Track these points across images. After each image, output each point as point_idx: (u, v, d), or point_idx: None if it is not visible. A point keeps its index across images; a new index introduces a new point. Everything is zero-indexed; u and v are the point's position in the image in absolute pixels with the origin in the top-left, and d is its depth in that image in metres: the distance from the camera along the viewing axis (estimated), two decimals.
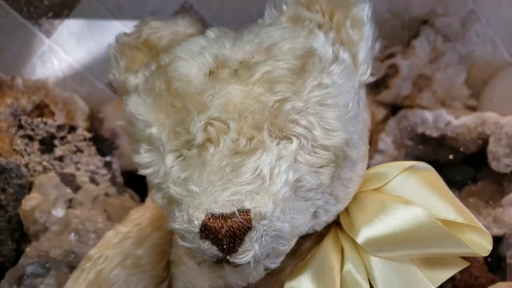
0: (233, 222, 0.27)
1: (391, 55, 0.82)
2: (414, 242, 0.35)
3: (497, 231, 0.66)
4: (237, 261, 0.28)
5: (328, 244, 0.37)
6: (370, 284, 0.36)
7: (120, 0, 0.84)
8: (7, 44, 0.86)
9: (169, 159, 0.31)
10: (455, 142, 0.74)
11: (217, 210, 0.27)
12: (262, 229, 0.27)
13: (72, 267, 0.56)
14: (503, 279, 0.60)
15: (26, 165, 0.73)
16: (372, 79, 0.36)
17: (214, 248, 0.27)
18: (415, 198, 0.36)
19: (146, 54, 0.38)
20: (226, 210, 0.27)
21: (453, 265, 0.38)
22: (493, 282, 0.57)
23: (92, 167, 0.76)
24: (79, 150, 0.77)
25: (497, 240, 0.66)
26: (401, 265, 0.36)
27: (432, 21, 0.83)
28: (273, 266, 0.31)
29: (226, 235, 0.27)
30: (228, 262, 0.28)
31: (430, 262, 0.38)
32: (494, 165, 0.70)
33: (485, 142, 0.72)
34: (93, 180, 0.68)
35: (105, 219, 0.60)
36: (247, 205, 0.27)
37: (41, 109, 0.85)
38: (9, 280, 0.54)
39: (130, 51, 0.38)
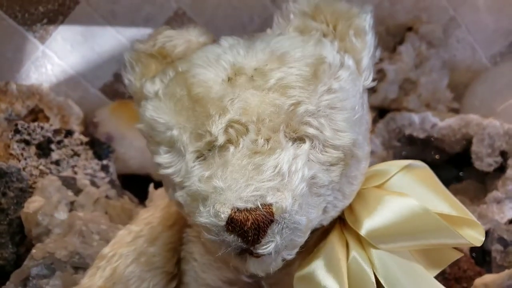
0: (258, 215, 0.29)
1: (378, 61, 0.85)
2: (412, 234, 0.38)
3: (482, 227, 0.69)
4: (260, 251, 0.30)
5: (334, 238, 0.39)
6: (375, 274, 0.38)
7: (114, 7, 0.86)
8: (1, 50, 0.86)
9: (191, 159, 0.34)
10: (441, 143, 0.78)
11: (242, 204, 0.29)
12: (283, 221, 0.30)
13: (76, 268, 0.57)
14: (489, 272, 0.63)
15: (23, 169, 0.74)
16: (374, 84, 0.39)
17: (239, 240, 0.30)
18: (413, 193, 0.39)
19: (160, 62, 0.40)
20: (251, 205, 0.29)
21: (447, 257, 0.41)
22: (480, 274, 0.60)
23: (89, 170, 0.77)
24: (76, 154, 0.78)
25: None
26: (402, 256, 0.38)
27: (417, 28, 0.86)
28: (289, 257, 0.34)
29: (251, 227, 0.29)
30: (251, 253, 0.31)
31: (427, 255, 0.41)
32: (477, 164, 0.74)
33: (469, 142, 0.75)
34: (93, 183, 0.69)
35: (107, 220, 0.61)
36: (269, 200, 0.30)
37: (35, 114, 0.86)
38: (15, 281, 0.55)
39: (146, 58, 0.40)
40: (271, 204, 0.30)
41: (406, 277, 0.38)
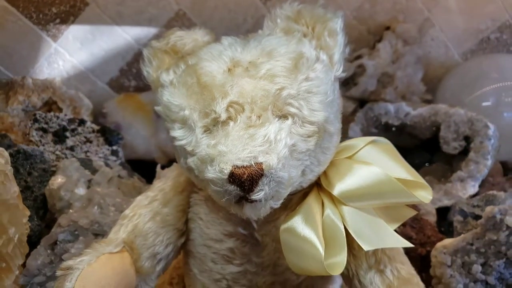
0: (252, 171, 0.38)
1: (359, 57, 0.94)
2: (376, 194, 0.47)
3: (447, 202, 0.79)
4: (253, 197, 0.40)
5: (311, 199, 0.48)
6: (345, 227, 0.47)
7: (121, 8, 0.95)
8: (18, 47, 0.95)
9: (200, 132, 0.43)
10: (413, 129, 0.87)
11: (240, 163, 0.39)
12: (270, 176, 0.39)
13: (96, 235, 0.66)
14: None
15: None
16: (343, 75, 0.48)
17: (238, 189, 0.39)
18: (377, 163, 0.48)
19: (172, 57, 0.49)
20: (246, 163, 0.39)
21: (404, 214, 0.50)
22: (442, 240, 0.69)
23: (101, 155, 0.86)
24: (88, 140, 0.87)
25: (447, 210, 0.80)
26: (368, 212, 0.47)
27: (394, 27, 0.95)
28: (275, 206, 0.43)
29: (247, 179, 0.38)
30: (247, 199, 0.40)
31: (388, 211, 0.50)
32: (444, 148, 0.84)
33: (438, 129, 0.85)
34: (107, 165, 0.78)
35: (121, 195, 0.71)
36: (260, 159, 0.39)
37: (49, 105, 0.94)
38: (44, 245, 0.64)
39: (161, 54, 0.49)
40: (261, 163, 0.39)
41: (370, 229, 0.47)
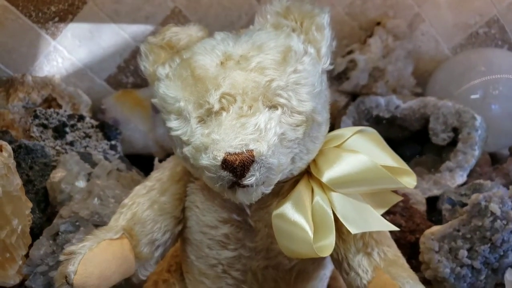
0: (243, 157, 0.41)
1: (350, 52, 0.96)
2: (363, 181, 0.49)
3: (436, 192, 0.82)
4: (245, 182, 0.42)
5: (301, 186, 0.51)
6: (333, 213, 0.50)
7: (118, 6, 0.96)
8: (17, 45, 0.97)
9: (194, 123, 0.46)
10: (403, 121, 0.89)
11: (232, 150, 0.41)
12: (261, 162, 0.42)
13: (96, 225, 0.68)
14: None
15: None
16: (331, 67, 0.51)
17: (230, 175, 0.42)
18: (364, 151, 0.50)
19: (168, 52, 0.52)
20: (238, 150, 0.41)
21: (390, 199, 0.53)
22: (430, 227, 0.72)
23: (99, 150, 0.88)
24: (87, 136, 0.89)
25: (437, 199, 0.82)
26: (355, 198, 0.50)
27: (384, 23, 0.98)
28: (266, 191, 0.46)
29: (239, 165, 0.41)
30: (239, 185, 0.43)
31: (374, 197, 0.52)
32: (434, 139, 0.86)
33: (427, 121, 0.87)
34: (106, 158, 0.80)
35: (121, 187, 0.73)
36: (251, 146, 0.41)
37: (49, 102, 0.96)
38: (47, 236, 0.66)
39: (157, 49, 0.52)
40: (252, 150, 0.41)
41: (358, 213, 0.49)
